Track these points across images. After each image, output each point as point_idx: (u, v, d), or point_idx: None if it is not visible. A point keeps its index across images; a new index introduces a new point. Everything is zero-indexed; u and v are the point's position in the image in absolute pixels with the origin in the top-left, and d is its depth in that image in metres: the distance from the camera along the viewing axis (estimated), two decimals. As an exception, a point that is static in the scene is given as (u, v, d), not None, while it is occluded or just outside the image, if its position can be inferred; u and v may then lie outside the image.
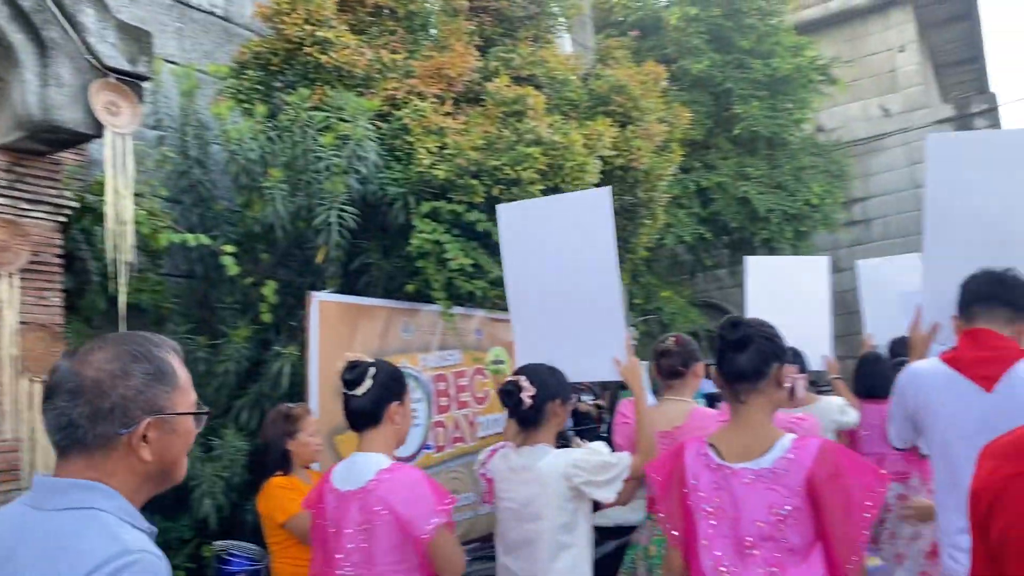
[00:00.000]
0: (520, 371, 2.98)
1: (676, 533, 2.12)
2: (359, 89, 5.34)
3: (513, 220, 3.64)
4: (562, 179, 4.92)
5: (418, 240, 4.85)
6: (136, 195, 4.51)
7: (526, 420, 2.89)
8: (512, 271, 3.63)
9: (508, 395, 2.89)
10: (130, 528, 1.32)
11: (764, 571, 1.95)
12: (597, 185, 5.94)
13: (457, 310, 5.81)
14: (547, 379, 2.90)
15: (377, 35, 5.79)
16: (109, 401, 1.36)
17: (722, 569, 2.00)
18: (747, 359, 2.09)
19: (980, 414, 2.07)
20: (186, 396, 1.47)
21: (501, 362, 6.46)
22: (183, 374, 1.49)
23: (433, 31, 6.18)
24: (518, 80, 5.91)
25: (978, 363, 2.32)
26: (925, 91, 18.77)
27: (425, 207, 5.00)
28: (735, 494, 2.00)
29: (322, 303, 4.82)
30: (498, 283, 5.30)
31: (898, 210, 18.43)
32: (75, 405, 1.35)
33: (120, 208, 3.99)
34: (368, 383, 2.58)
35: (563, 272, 3.36)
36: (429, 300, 5.26)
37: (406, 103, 5.44)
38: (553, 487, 2.74)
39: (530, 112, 5.02)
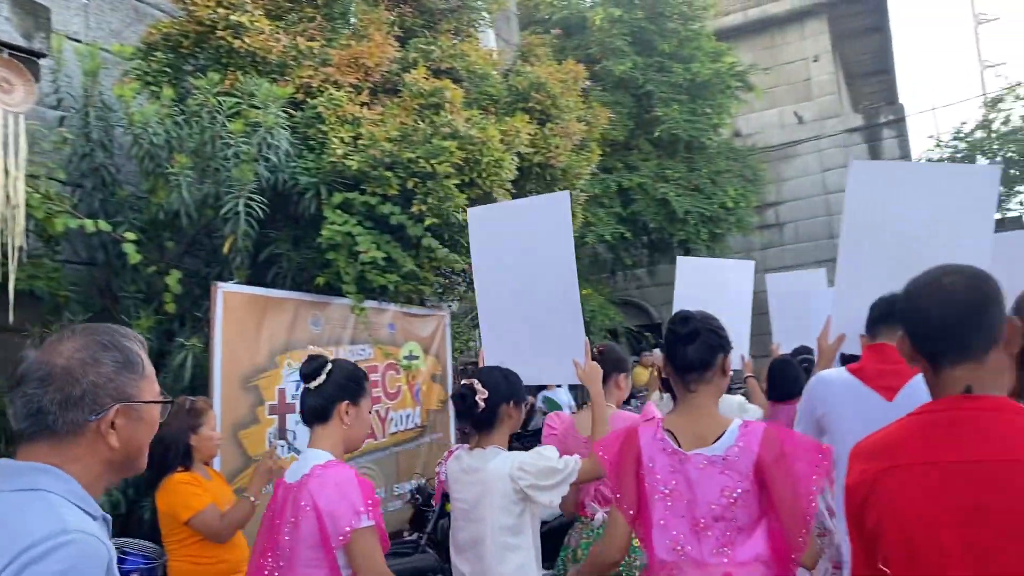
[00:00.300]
0: (475, 374, 2.98)
1: (631, 512, 2.21)
2: (273, 76, 5.21)
3: (481, 222, 3.59)
4: (478, 174, 4.90)
5: (329, 231, 4.76)
6: (31, 177, 4.30)
7: (479, 423, 2.89)
8: (480, 273, 3.55)
9: (462, 399, 2.88)
10: (77, 510, 1.32)
11: (716, 548, 2.08)
12: (514, 182, 5.95)
13: (369, 304, 5.73)
14: (500, 382, 2.90)
15: (295, 21, 5.66)
16: (80, 388, 1.38)
17: (678, 548, 2.12)
18: (695, 351, 2.21)
19: (881, 421, 2.05)
20: (152, 385, 1.49)
21: (415, 357, 6.41)
22: (148, 365, 1.50)
23: (352, 20, 6.07)
24: (437, 73, 5.86)
25: (881, 375, 2.55)
26: (837, 100, 19.42)
27: (337, 198, 4.91)
28: (690, 478, 2.11)
29: (227, 294, 4.68)
30: (411, 277, 5.26)
31: (809, 215, 19.04)
32: (45, 392, 1.36)
33: (11, 190, 3.79)
34: (322, 378, 2.57)
35: (526, 275, 3.35)
36: (340, 293, 5.17)
37: (321, 92, 5.33)
38: (499, 488, 2.73)
39: (448, 105, 4.98)
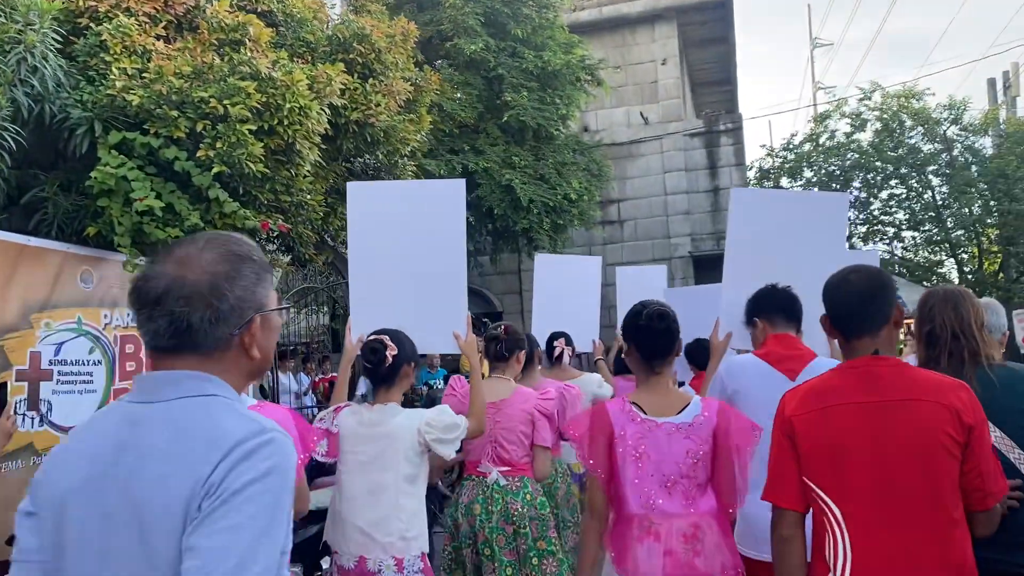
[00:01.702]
0: (381, 332, 3.11)
1: (603, 475, 2.54)
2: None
3: (363, 197, 3.72)
4: (279, 121, 4.40)
5: (100, 174, 4.14)
6: None
7: (383, 378, 3.08)
8: (357, 246, 3.68)
9: (373, 352, 3.05)
10: (256, 413, 1.35)
11: (683, 501, 2.48)
12: (329, 139, 5.48)
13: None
14: (404, 342, 3.10)
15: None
16: (227, 303, 1.35)
17: (650, 502, 2.48)
18: (667, 341, 2.61)
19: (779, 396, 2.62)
20: (273, 291, 1.47)
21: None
22: None
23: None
24: (256, 15, 5.31)
25: (785, 359, 3.04)
26: (681, 104, 19.95)
27: (115, 137, 4.29)
28: (659, 442, 2.48)
29: (-35, 237, 3.98)
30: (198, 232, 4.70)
31: (649, 214, 19.47)
32: (193, 309, 1.32)
33: None
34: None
35: (411, 252, 3.55)
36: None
37: (109, 18, 4.67)
38: (406, 440, 2.96)
39: (250, 43, 4.46)
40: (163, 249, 1.46)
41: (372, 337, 3.11)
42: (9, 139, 3.97)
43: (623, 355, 2.84)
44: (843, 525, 1.99)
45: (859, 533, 1.97)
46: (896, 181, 15.90)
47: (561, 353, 4.81)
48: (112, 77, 4.31)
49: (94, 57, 4.63)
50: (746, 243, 3.67)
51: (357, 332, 3.43)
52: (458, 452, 3.21)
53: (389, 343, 3.05)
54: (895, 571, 1.93)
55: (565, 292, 5.66)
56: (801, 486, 2.08)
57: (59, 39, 4.43)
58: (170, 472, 1.23)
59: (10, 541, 3.56)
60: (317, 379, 11.49)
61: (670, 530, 2.44)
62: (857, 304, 2.14)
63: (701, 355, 4.70)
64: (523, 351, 3.96)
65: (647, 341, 2.61)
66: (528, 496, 3.59)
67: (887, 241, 16.78)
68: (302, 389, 10.28)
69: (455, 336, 3.50)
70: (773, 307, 3.21)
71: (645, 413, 2.52)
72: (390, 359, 3.03)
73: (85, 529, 1.26)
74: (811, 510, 2.10)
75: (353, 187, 3.70)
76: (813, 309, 3.07)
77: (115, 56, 4.50)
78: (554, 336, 4.87)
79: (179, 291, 1.31)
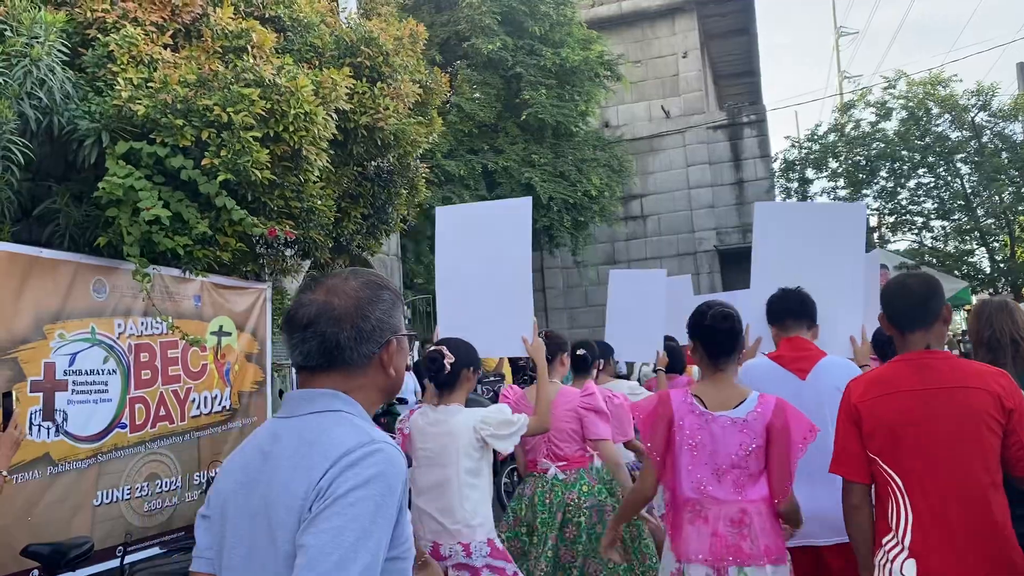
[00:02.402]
0: (441, 343, 3.44)
1: (659, 459, 2.78)
2: (58, 3, 4.53)
3: (448, 220, 4.16)
4: (284, 127, 4.39)
5: (108, 184, 4.15)
6: None
7: (444, 383, 3.38)
8: (443, 262, 4.11)
9: (432, 361, 3.35)
10: (373, 427, 1.50)
11: (733, 489, 2.71)
12: (338, 143, 5.46)
13: (169, 272, 5.13)
14: (462, 350, 3.40)
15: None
16: (369, 324, 1.55)
17: (701, 488, 2.73)
18: (730, 340, 2.83)
19: (796, 394, 3.05)
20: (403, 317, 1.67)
21: (227, 334, 5.82)
22: None
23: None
24: (263, 21, 5.31)
25: (795, 360, 3.33)
26: (703, 97, 19.77)
27: (122, 147, 4.30)
28: (714, 434, 2.73)
29: (-24, 250, 4.01)
30: (208, 241, 4.70)
31: (672, 208, 19.32)
32: (341, 329, 1.52)
33: None
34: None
35: (487, 266, 3.91)
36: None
37: (117, 28, 4.68)
38: (464, 437, 3.25)
39: (254, 50, 4.45)
40: (312, 281, 1.65)
41: (432, 348, 3.43)
42: (17, 152, 3.99)
43: (690, 352, 3.05)
44: (904, 492, 2.34)
45: (917, 498, 2.31)
46: (924, 170, 15.62)
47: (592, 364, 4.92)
48: (118, 87, 4.33)
49: (102, 68, 4.65)
50: (770, 254, 4.00)
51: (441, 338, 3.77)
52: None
53: (447, 352, 3.33)
54: (946, 528, 2.26)
55: (633, 304, 5.94)
56: (867, 461, 2.44)
57: (66, 51, 4.45)
58: (292, 479, 1.43)
59: (25, 550, 3.57)
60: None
61: (718, 514, 2.71)
62: (913, 304, 2.47)
63: (676, 360, 5.66)
64: (566, 353, 4.28)
65: (711, 340, 2.85)
66: (584, 487, 3.98)
67: (915, 231, 16.49)
68: None
69: (523, 340, 3.81)
70: (782, 312, 3.53)
71: (705, 406, 2.78)
72: (448, 367, 3.32)
73: (237, 528, 1.50)
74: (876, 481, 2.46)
75: (440, 211, 4.21)
76: (832, 311, 3.65)
77: (122, 66, 4.52)
78: (580, 345, 4.93)
79: (329, 314, 1.53)
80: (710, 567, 2.68)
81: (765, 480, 2.74)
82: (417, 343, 12.23)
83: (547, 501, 3.95)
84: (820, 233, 3.97)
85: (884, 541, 2.40)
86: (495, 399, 9.05)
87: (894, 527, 2.36)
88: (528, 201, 4.02)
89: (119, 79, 4.41)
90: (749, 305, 3.84)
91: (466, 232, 4.04)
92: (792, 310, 3.48)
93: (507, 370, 10.25)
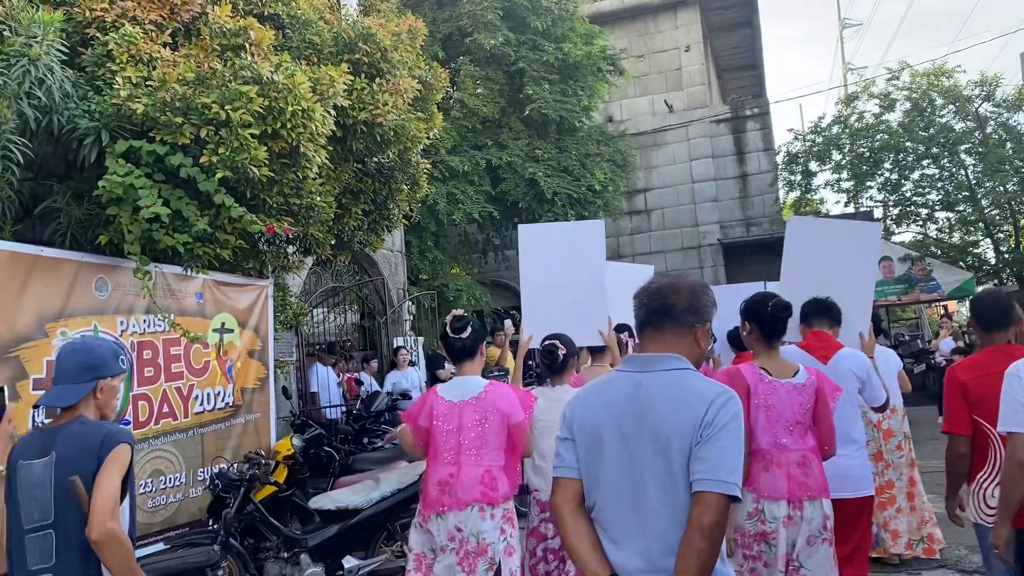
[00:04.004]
0: (554, 337, 4.23)
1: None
2: (56, 3, 4.55)
3: (530, 236, 5.07)
4: (282, 124, 4.40)
5: (108, 183, 4.17)
6: None
7: (557, 370, 4.22)
8: (527, 271, 4.93)
9: (549, 353, 4.18)
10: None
11: (797, 439, 3.39)
12: (338, 139, 5.47)
13: (171, 270, 5.15)
14: (569, 344, 4.24)
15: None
16: (699, 303, 2.18)
17: (776, 440, 3.39)
18: (784, 326, 3.50)
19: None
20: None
21: (229, 331, 5.85)
22: None
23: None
24: (261, 19, 5.32)
25: (820, 348, 4.10)
26: (706, 91, 19.72)
27: (121, 146, 4.32)
28: (781, 397, 3.39)
29: (-22, 249, 4.03)
30: (209, 239, 4.71)
31: (676, 203, 19.27)
32: (680, 300, 2.16)
33: None
34: (469, 330, 3.71)
35: (567, 274, 4.76)
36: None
37: (116, 27, 4.70)
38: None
39: (252, 48, 4.47)
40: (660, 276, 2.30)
41: (547, 343, 4.22)
42: (17, 151, 4.02)
43: (742, 333, 3.65)
44: (996, 441, 3.16)
45: (1003, 444, 3.04)
46: (928, 161, 15.50)
47: (625, 344, 5.15)
48: (117, 86, 4.35)
49: (101, 67, 4.67)
50: (797, 262, 4.77)
51: (528, 333, 4.63)
52: None
53: (560, 345, 4.17)
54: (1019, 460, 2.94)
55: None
56: (971, 420, 3.27)
57: (65, 50, 4.47)
58: (676, 413, 2.00)
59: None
60: (347, 376, 11.55)
61: (789, 460, 3.36)
62: (998, 311, 3.37)
63: (741, 340, 5.75)
64: (575, 357, 4.68)
65: (772, 324, 3.47)
66: None
67: (920, 223, 16.39)
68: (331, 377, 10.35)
69: (600, 333, 4.68)
70: (812, 313, 4.35)
71: (771, 375, 3.42)
72: (561, 356, 4.16)
73: (613, 446, 2.08)
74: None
75: (523, 228, 5.17)
76: (847, 311, 4.39)
77: (121, 65, 4.54)
78: (618, 328, 5.08)
79: (672, 289, 2.17)
80: (789, 501, 3.33)
81: (812, 432, 3.44)
82: (422, 339, 12.26)
83: None
84: (841, 245, 4.76)
85: (978, 475, 3.26)
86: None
87: (989, 466, 3.23)
88: (601, 224, 5.06)
89: (118, 78, 4.43)
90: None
91: (547, 246, 4.93)
92: (818, 311, 4.34)
93: (511, 364, 10.27)
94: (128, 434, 2.70)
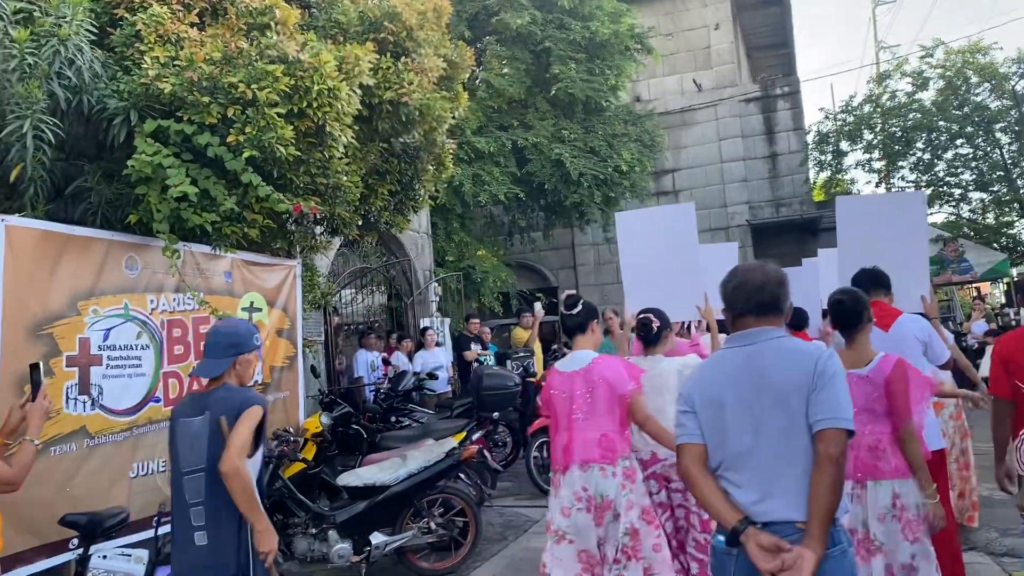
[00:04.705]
0: (648, 311, 4.49)
1: None
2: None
3: (627, 221, 5.44)
4: (308, 103, 4.41)
5: (137, 162, 4.21)
6: None
7: (652, 341, 4.46)
8: (627, 253, 5.26)
9: (644, 326, 4.45)
10: None
11: (864, 425, 3.44)
12: (364, 119, 5.48)
13: (200, 249, 5.19)
14: (662, 316, 4.50)
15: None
16: (784, 291, 2.53)
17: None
18: (858, 314, 3.65)
19: (882, 341, 3.85)
20: None
21: (258, 309, 5.91)
22: None
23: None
24: (288, -1, 5.33)
25: (881, 317, 4.12)
26: (735, 70, 19.46)
27: (150, 125, 4.35)
28: (852, 388, 3.17)
29: (11, 228, 4.09)
30: (236, 218, 4.75)
31: (704, 183, 19.10)
32: (782, 290, 2.51)
33: None
34: (580, 307, 4.00)
35: (664, 254, 5.06)
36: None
37: (143, 7, 4.73)
38: (671, 377, 4.25)
39: (278, 27, 4.47)
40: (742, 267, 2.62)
41: (642, 316, 4.47)
42: (48, 131, 4.07)
43: (830, 326, 4.16)
44: None
45: None
46: (962, 140, 15.22)
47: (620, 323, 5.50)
48: (145, 66, 4.38)
49: (129, 47, 4.70)
50: (852, 240, 4.98)
51: (631, 312, 4.80)
52: None
53: (653, 319, 4.44)
54: None
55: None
56: (1011, 386, 3.51)
57: (94, 31, 4.51)
58: (790, 369, 2.35)
59: (63, 519, 3.66)
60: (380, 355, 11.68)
61: (858, 443, 3.48)
62: None
63: (796, 320, 6.25)
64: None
65: (844, 314, 3.66)
66: None
67: (953, 203, 16.14)
68: (377, 362, 10.55)
69: (697, 307, 4.97)
70: (867, 283, 4.34)
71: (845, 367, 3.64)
72: (655, 329, 4.43)
73: (735, 409, 2.40)
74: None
75: (620, 215, 5.52)
76: (906, 278, 4.62)
77: (149, 45, 4.57)
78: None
79: (776, 279, 2.50)
80: (853, 481, 3.53)
81: (888, 419, 3.52)
82: (448, 320, 12.30)
83: None
84: (891, 217, 4.99)
85: (1021, 432, 3.47)
86: (525, 372, 9.10)
87: None
88: (691, 206, 5.33)
89: (146, 58, 4.46)
90: (836, 277, 5.04)
91: (644, 230, 5.30)
92: (874, 282, 4.40)
93: (537, 346, 10.30)
94: (261, 398, 3.32)
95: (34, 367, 3.22)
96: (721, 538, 2.38)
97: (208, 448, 3.11)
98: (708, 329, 5.18)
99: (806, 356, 2.35)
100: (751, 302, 2.47)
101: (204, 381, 3.40)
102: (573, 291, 4.12)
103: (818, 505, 2.22)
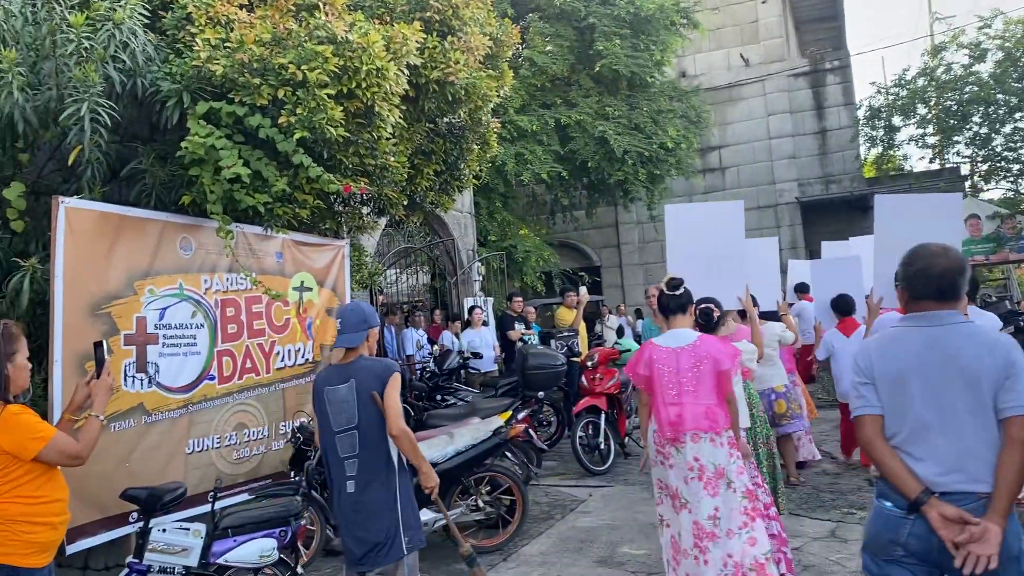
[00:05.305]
0: (707, 300, 4.76)
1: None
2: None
3: (675, 215, 5.70)
4: (356, 84, 4.42)
5: (190, 144, 4.27)
6: None
7: (711, 329, 4.68)
8: (673, 245, 5.54)
9: (705, 314, 4.71)
10: None
11: None
12: (411, 99, 5.48)
13: (252, 229, 5.27)
14: (720, 306, 4.87)
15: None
16: (964, 279, 2.61)
17: None
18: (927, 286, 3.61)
19: None
20: None
21: (308, 289, 5.98)
22: None
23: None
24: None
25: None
26: (784, 44, 19.06)
27: (202, 107, 4.41)
28: None
29: (70, 210, 4.19)
30: (288, 199, 4.80)
31: (751, 160, 18.81)
32: (961, 278, 2.58)
33: None
34: (683, 289, 4.25)
35: (711, 248, 5.38)
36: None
37: (195, -10, 4.78)
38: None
39: (326, 7, 4.48)
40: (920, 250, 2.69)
41: (703, 305, 4.70)
42: (104, 114, 4.14)
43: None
44: None
45: None
46: (1021, 114, 14.73)
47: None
48: (197, 48, 4.43)
49: (181, 30, 4.76)
50: (888, 236, 5.09)
51: None
52: None
53: (714, 308, 4.78)
54: None
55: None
56: None
57: (147, 14, 4.57)
58: (983, 355, 2.44)
59: (123, 494, 3.75)
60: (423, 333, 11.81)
61: None
62: None
63: (843, 306, 7.10)
64: (726, 316, 5.31)
65: (925, 286, 3.69)
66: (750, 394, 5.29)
67: (1011, 179, 15.64)
68: (423, 341, 10.72)
69: (739, 299, 5.36)
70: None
71: None
72: (715, 316, 4.79)
73: (918, 384, 2.51)
74: None
75: (669, 208, 5.79)
76: None
77: (200, 27, 4.61)
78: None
79: (959, 270, 2.58)
80: None
81: None
82: (491, 300, 12.32)
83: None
84: (927, 217, 5.14)
85: None
86: (569, 352, 9.09)
87: None
88: (740, 204, 5.73)
89: (198, 40, 4.51)
90: (849, 266, 6.44)
91: (692, 223, 5.64)
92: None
93: (582, 327, 10.27)
94: (397, 365, 3.77)
95: (97, 345, 3.30)
96: (889, 504, 2.54)
97: (358, 411, 3.62)
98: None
99: (1000, 345, 2.47)
100: (931, 287, 2.59)
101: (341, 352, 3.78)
102: (675, 274, 4.37)
103: (1006, 482, 2.37)
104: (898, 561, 2.53)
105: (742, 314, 5.75)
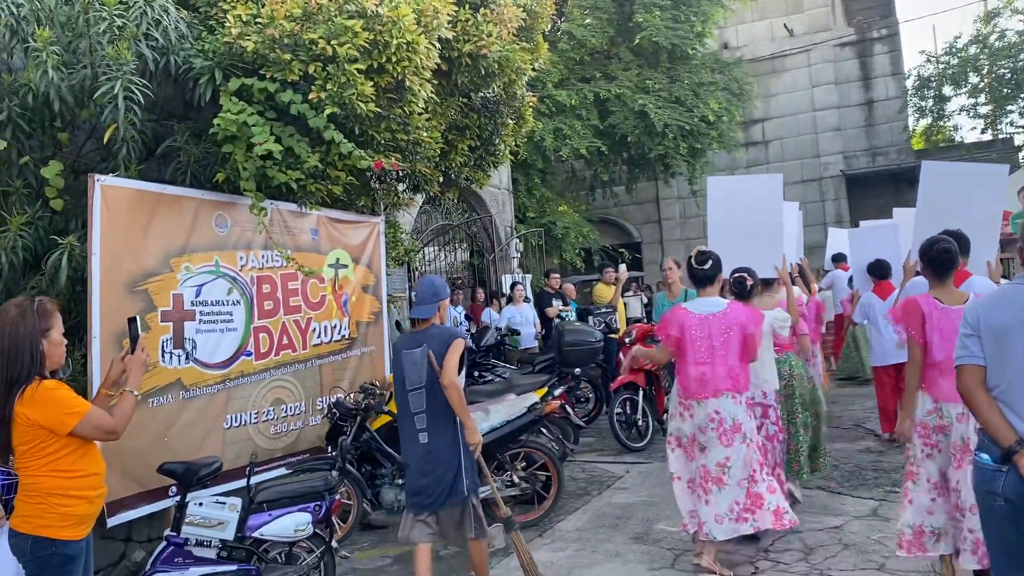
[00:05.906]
0: (741, 270, 5.00)
1: (920, 341, 3.85)
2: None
3: (717, 187, 5.89)
4: (387, 58, 4.38)
5: (223, 121, 4.28)
6: None
7: (746, 296, 4.94)
8: (714, 217, 5.72)
9: (739, 283, 4.97)
10: None
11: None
12: (443, 73, 5.43)
13: (286, 206, 5.28)
14: (753, 275, 5.03)
15: None
16: None
17: (948, 354, 3.51)
18: (949, 264, 3.92)
19: None
20: None
21: (344, 266, 5.99)
22: None
23: None
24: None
25: (956, 275, 4.19)
26: (829, 13, 18.56)
27: (234, 84, 4.41)
28: (952, 321, 3.68)
29: (106, 188, 4.22)
30: (320, 175, 4.79)
31: (796, 132, 18.41)
32: None
33: None
34: (710, 262, 4.52)
35: (751, 218, 5.54)
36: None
37: (226, -34, 4.77)
38: (765, 325, 4.78)
39: (356, -20, 4.45)
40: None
41: (737, 275, 4.98)
42: (138, 92, 4.16)
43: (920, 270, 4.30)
44: None
45: None
46: (1079, 81, 14.24)
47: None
48: (228, 24, 4.42)
49: (212, 6, 4.76)
50: (932, 203, 5.25)
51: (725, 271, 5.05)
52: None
53: (748, 277, 4.98)
54: None
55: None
56: None
57: (177, -11, 4.57)
58: None
59: (161, 468, 3.81)
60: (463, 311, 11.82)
61: None
62: None
63: (880, 271, 7.31)
64: (759, 285, 5.42)
65: (937, 264, 3.93)
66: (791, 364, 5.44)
67: (1067, 149, 15.13)
68: (461, 317, 10.71)
69: (775, 268, 5.53)
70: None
71: (943, 303, 3.85)
72: (749, 285, 4.97)
73: (1016, 345, 2.58)
74: None
75: (711, 180, 6.00)
76: (976, 245, 4.93)
77: (231, 4, 4.61)
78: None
79: None
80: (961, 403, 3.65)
81: None
82: (529, 276, 12.28)
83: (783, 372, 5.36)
84: (972, 187, 5.26)
85: None
86: (607, 329, 9.03)
87: None
88: (779, 177, 5.98)
89: (229, 16, 4.50)
90: (889, 232, 6.69)
91: (733, 195, 5.81)
92: (957, 243, 4.43)
93: (620, 303, 10.20)
94: (463, 332, 4.46)
95: (131, 321, 3.33)
96: (986, 456, 2.62)
97: (426, 372, 4.11)
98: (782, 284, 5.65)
99: None
100: None
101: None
102: (703, 247, 4.67)
103: None
104: (1000, 513, 2.58)
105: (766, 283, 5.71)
